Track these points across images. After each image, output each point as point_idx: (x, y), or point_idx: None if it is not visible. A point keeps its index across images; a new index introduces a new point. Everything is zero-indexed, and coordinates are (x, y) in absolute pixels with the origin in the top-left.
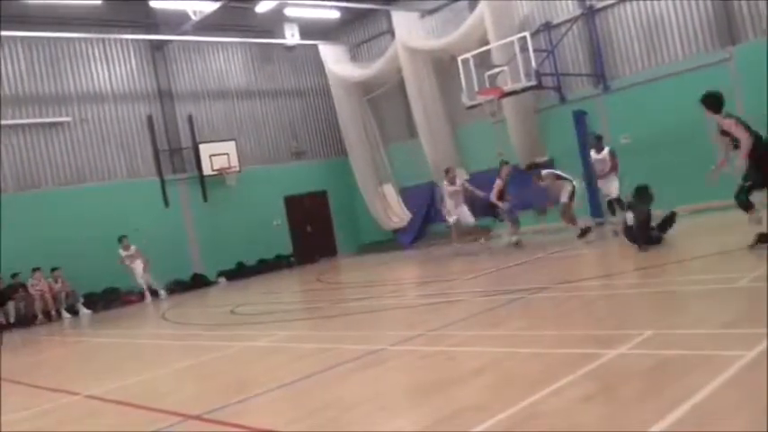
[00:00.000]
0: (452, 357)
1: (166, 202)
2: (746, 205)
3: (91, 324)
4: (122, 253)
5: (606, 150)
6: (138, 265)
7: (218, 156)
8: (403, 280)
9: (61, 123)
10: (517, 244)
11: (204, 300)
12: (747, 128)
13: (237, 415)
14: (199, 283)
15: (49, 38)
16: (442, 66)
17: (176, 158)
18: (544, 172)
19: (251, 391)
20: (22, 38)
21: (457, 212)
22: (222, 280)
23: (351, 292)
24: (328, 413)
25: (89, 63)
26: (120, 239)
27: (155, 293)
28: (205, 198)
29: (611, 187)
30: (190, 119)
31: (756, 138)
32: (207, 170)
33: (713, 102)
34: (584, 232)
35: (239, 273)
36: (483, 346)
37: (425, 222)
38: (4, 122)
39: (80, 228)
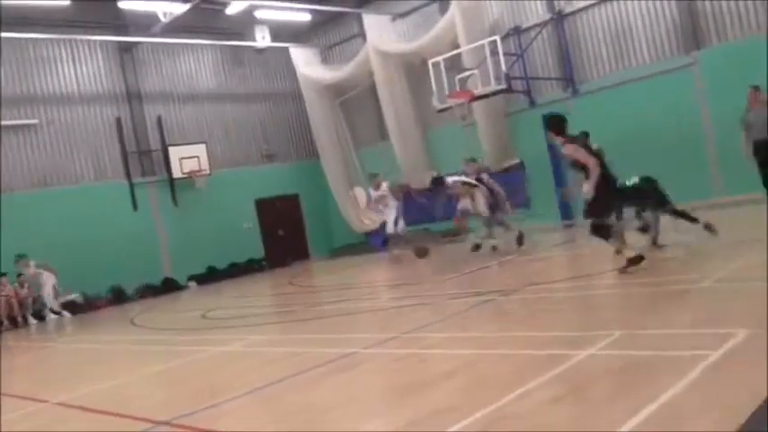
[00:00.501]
0: (425, 360)
1: (135, 206)
2: (606, 234)
3: (58, 329)
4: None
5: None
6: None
7: (188, 159)
8: (375, 283)
9: (28, 126)
10: (494, 249)
11: (175, 304)
12: (593, 153)
13: (208, 420)
14: (169, 287)
15: (15, 38)
16: (413, 69)
17: (145, 161)
18: (450, 180)
19: (222, 396)
20: None
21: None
22: (193, 284)
23: (323, 295)
24: (301, 417)
25: (56, 64)
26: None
27: (57, 313)
28: (175, 201)
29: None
30: (159, 121)
31: (597, 156)
32: (177, 173)
33: (555, 124)
34: (477, 247)
35: (210, 277)
36: (455, 348)
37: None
38: None
39: (48, 232)
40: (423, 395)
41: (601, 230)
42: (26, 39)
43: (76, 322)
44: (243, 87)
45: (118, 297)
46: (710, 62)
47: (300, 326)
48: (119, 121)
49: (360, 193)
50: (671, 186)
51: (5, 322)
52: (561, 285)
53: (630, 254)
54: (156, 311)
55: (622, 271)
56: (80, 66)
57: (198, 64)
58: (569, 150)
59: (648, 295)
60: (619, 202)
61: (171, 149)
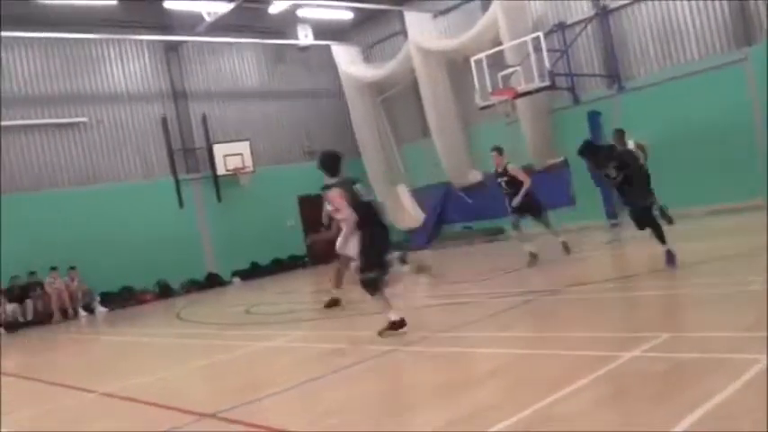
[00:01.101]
0: (466, 359)
1: (181, 203)
2: (374, 287)
3: (107, 322)
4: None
5: (631, 145)
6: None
7: (231, 156)
8: (416, 280)
9: (77, 124)
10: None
11: (219, 299)
12: (354, 196)
13: (252, 414)
14: (213, 282)
15: (65, 39)
16: (455, 66)
17: (190, 158)
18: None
19: (265, 390)
20: (39, 39)
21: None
22: (237, 280)
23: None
24: (342, 414)
25: (105, 64)
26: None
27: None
28: (219, 198)
29: None
30: (204, 119)
31: (363, 206)
32: (221, 170)
33: (326, 165)
34: (332, 304)
35: (253, 273)
36: (496, 347)
37: (439, 223)
38: (22, 123)
39: (96, 227)
40: (464, 394)
41: (369, 285)
42: (75, 39)
43: (124, 316)
44: (285, 85)
45: (164, 291)
46: (762, 58)
47: (341, 323)
48: (164, 119)
49: (402, 190)
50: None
51: (56, 314)
52: (605, 286)
53: (394, 317)
54: (201, 306)
55: (380, 333)
56: (127, 65)
57: (241, 62)
58: (331, 197)
59: (695, 297)
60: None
61: (215, 147)
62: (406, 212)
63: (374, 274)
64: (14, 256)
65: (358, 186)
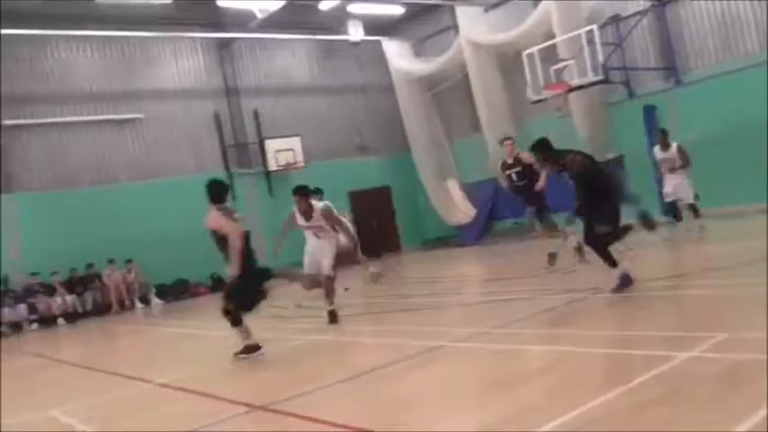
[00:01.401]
0: (516, 356)
1: (233, 197)
2: (236, 320)
3: (162, 314)
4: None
5: (674, 147)
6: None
7: (283, 151)
8: (466, 276)
9: (134, 120)
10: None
11: (270, 293)
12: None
13: (301, 407)
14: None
15: (122, 37)
16: (507, 60)
17: (242, 154)
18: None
19: (315, 383)
20: (98, 37)
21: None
22: None
23: (414, 287)
24: (390, 408)
25: (159, 61)
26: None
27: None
28: (271, 193)
29: (682, 190)
30: (255, 115)
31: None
32: (272, 165)
33: (211, 192)
34: (333, 317)
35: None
36: (547, 345)
37: (490, 219)
38: (81, 119)
39: (152, 221)
40: (513, 392)
41: (234, 316)
42: (132, 37)
43: (179, 308)
44: (336, 81)
45: (217, 285)
46: None
47: (391, 317)
48: (217, 115)
49: (453, 185)
50: None
51: (114, 306)
52: (659, 284)
53: (250, 342)
54: None
55: (236, 356)
56: (181, 62)
57: (292, 58)
58: (212, 219)
59: (750, 297)
60: None
61: (267, 142)
62: (456, 208)
63: (232, 306)
64: (74, 249)
65: (237, 216)
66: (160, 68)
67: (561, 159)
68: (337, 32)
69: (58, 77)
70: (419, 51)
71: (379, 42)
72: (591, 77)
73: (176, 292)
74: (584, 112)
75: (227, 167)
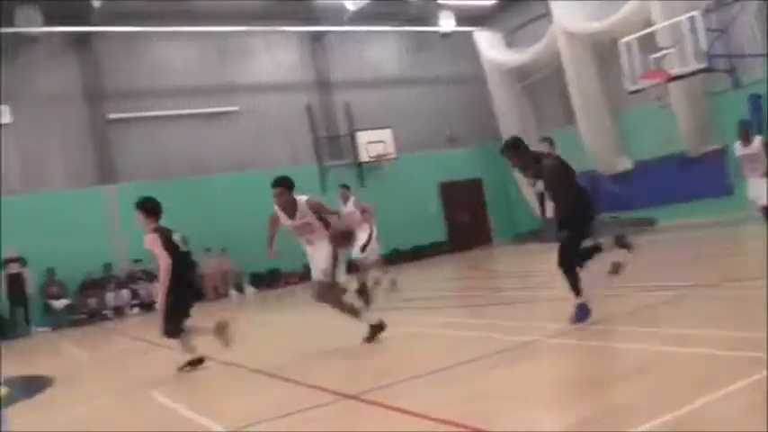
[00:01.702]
0: (609, 353)
1: (324, 188)
2: (177, 334)
3: (256, 302)
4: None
5: (758, 141)
6: None
7: (374, 143)
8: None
9: (228, 113)
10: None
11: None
12: (171, 245)
13: (390, 397)
14: (354, 267)
15: (218, 32)
16: (602, 49)
17: (334, 145)
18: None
19: (404, 374)
20: (194, 33)
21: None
22: None
23: (505, 281)
24: (478, 402)
25: (254, 55)
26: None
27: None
28: (362, 184)
29: (762, 190)
30: (347, 107)
31: (180, 258)
32: (364, 157)
33: (145, 208)
34: (375, 332)
35: (394, 259)
36: (642, 343)
37: None
38: (178, 113)
39: (246, 211)
40: (605, 391)
41: (172, 332)
42: (227, 32)
43: (272, 296)
44: (427, 72)
45: (309, 274)
46: None
47: (481, 311)
48: (309, 107)
49: None
50: None
51: (210, 293)
52: (764, 282)
53: (192, 357)
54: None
55: (181, 369)
56: (275, 56)
57: (383, 50)
58: (151, 240)
59: None
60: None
61: (358, 134)
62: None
63: (170, 325)
64: None
65: (176, 237)
66: (254, 62)
67: (534, 163)
68: (428, 24)
69: (158, 73)
70: (511, 42)
71: (470, 33)
72: (693, 66)
73: (270, 280)
74: (686, 101)
75: (318, 159)
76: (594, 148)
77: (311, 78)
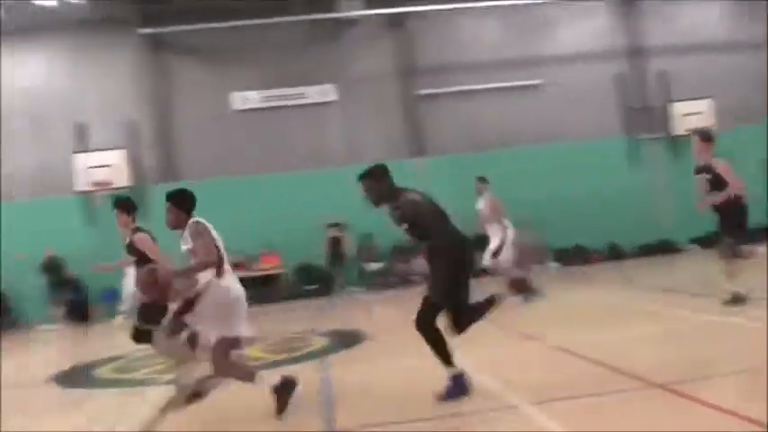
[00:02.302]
0: None
1: (634, 162)
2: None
3: (558, 278)
4: None
5: None
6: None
7: (691, 115)
8: None
9: (534, 86)
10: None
11: (673, 265)
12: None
13: (701, 391)
14: (665, 248)
15: (519, 5)
16: None
17: (644, 117)
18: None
19: (718, 368)
20: (498, 7)
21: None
22: (694, 246)
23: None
24: None
25: (557, 26)
26: None
27: None
28: (676, 158)
29: None
30: (661, 76)
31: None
32: (678, 130)
33: (124, 207)
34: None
35: (710, 241)
36: None
37: None
38: (485, 86)
39: (550, 185)
40: None
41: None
42: (528, 4)
43: (574, 273)
44: (756, 37)
45: (613, 252)
46: None
47: None
48: (619, 77)
49: None
50: None
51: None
52: None
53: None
54: (653, 271)
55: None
56: (579, 25)
57: (703, 13)
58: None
59: None
60: None
61: (673, 105)
62: None
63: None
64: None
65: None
66: (558, 33)
67: (396, 196)
68: None
69: (466, 48)
70: None
71: None
72: None
73: (574, 256)
74: None
75: (627, 131)
76: None
77: (621, 46)
